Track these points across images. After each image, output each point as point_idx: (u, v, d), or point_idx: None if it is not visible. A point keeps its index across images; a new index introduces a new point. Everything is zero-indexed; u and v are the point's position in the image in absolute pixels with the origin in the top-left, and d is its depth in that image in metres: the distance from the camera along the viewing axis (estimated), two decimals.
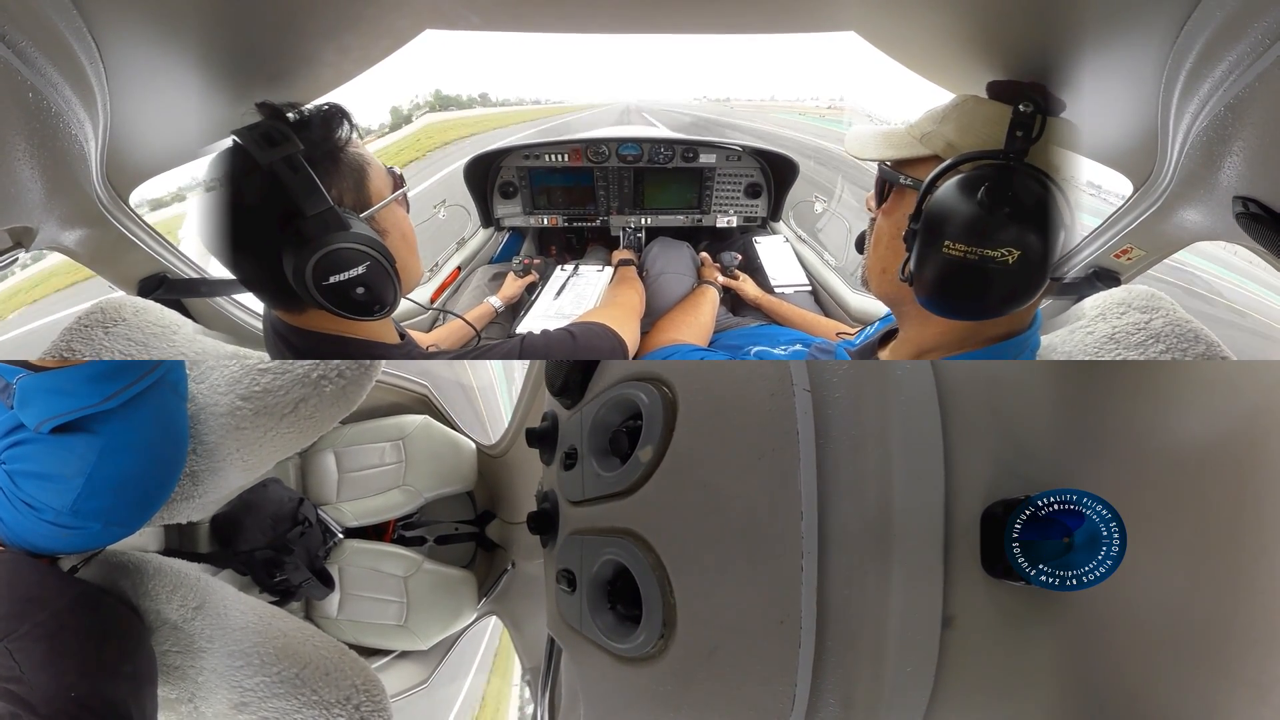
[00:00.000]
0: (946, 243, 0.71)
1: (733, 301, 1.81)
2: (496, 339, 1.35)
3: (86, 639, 0.99)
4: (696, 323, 1.48)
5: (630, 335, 1.12)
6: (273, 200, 0.75)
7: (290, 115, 0.79)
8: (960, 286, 0.72)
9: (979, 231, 0.69)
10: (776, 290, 1.81)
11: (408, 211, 0.93)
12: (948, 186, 0.71)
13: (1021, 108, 0.69)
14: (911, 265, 0.75)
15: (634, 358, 1.19)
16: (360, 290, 0.78)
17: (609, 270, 1.85)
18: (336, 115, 0.82)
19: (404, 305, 1.60)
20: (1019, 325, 0.78)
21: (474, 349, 0.96)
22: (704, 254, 1.87)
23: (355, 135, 0.85)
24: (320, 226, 0.76)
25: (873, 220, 0.86)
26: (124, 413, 0.98)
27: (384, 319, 0.88)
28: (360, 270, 0.77)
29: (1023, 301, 0.73)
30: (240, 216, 0.78)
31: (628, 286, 1.65)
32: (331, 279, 0.76)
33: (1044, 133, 0.69)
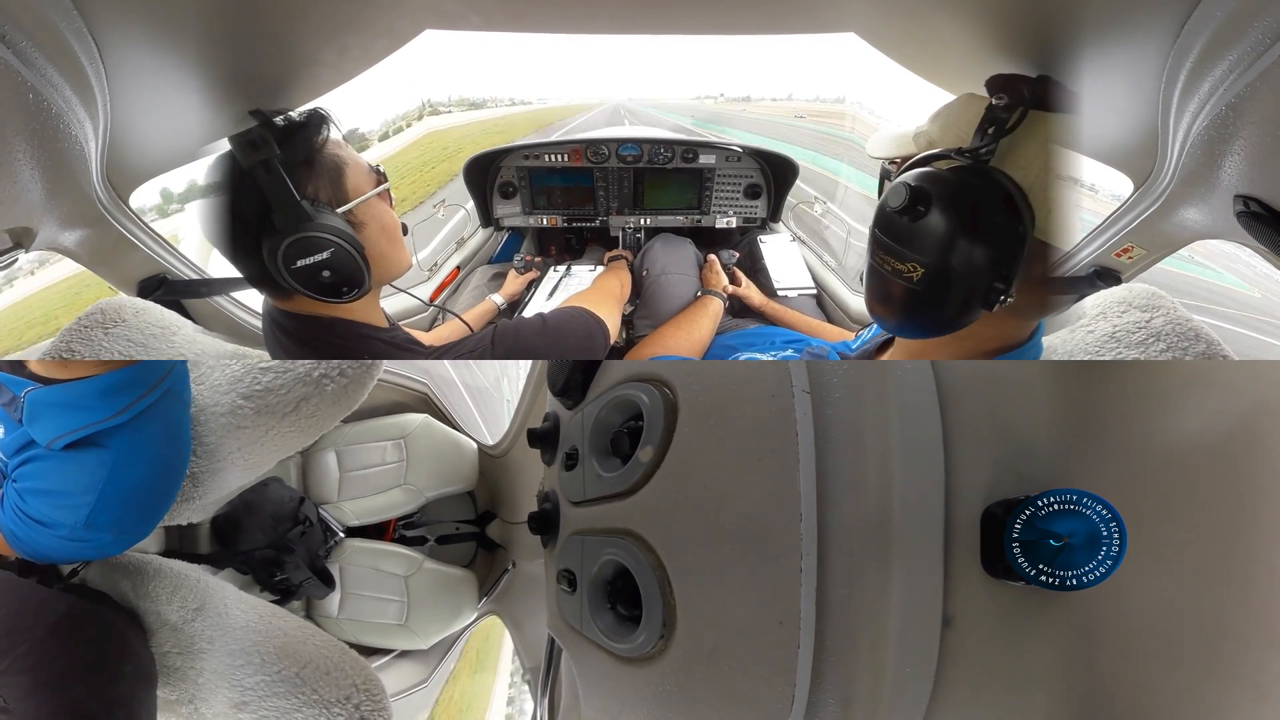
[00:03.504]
0: (873, 248, 0.66)
1: (737, 305, 1.78)
2: None
3: (71, 663, 0.98)
4: (690, 337, 1.44)
5: (609, 317, 1.14)
6: (252, 199, 0.85)
7: (279, 120, 0.88)
8: (880, 297, 0.67)
9: (892, 239, 0.63)
10: (780, 293, 1.80)
11: (391, 206, 0.99)
12: (888, 189, 0.64)
13: (995, 101, 0.62)
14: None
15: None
16: (327, 273, 0.87)
17: (601, 270, 1.84)
18: (315, 121, 0.90)
19: (404, 303, 1.61)
20: (1016, 338, 0.73)
21: (449, 347, 0.99)
22: (711, 256, 1.81)
23: (337, 137, 0.93)
24: (288, 219, 0.85)
25: None
26: (133, 425, 0.98)
27: (361, 300, 0.94)
28: (325, 255, 0.86)
29: (949, 323, 0.65)
30: (230, 213, 0.87)
31: (610, 274, 1.64)
32: (299, 263, 0.85)
33: (1019, 127, 0.62)
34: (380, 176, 0.96)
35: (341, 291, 0.89)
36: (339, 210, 0.90)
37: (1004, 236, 0.61)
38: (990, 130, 0.62)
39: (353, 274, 0.89)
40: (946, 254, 0.60)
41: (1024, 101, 0.62)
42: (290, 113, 0.90)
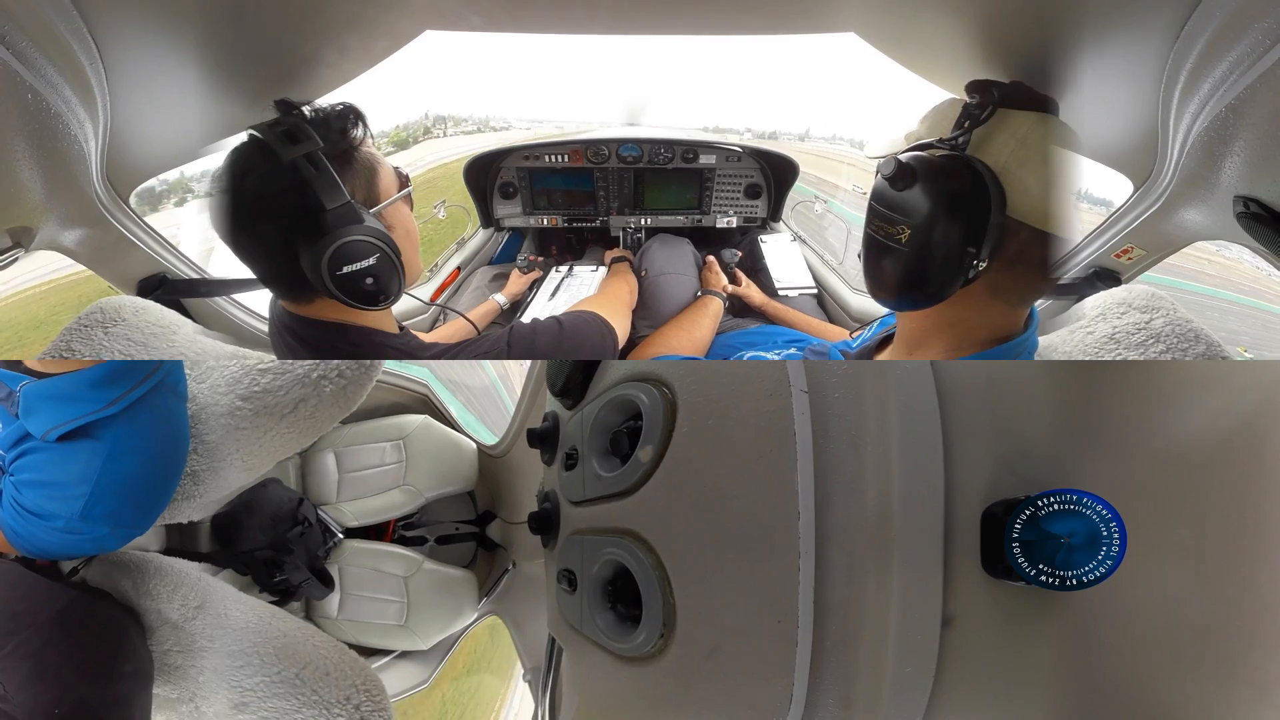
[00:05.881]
0: (868, 219, 0.75)
1: (738, 304, 1.79)
2: None
3: (71, 654, 0.98)
4: (691, 337, 1.43)
5: (620, 324, 1.13)
6: (293, 194, 0.78)
7: (306, 112, 0.82)
8: (872, 264, 0.77)
9: (886, 207, 0.73)
10: (780, 292, 1.79)
11: (411, 210, 0.97)
12: (881, 163, 0.74)
13: (969, 99, 0.72)
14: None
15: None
16: (369, 281, 0.82)
17: (604, 270, 1.84)
18: (351, 114, 0.86)
19: (406, 304, 1.61)
20: (1011, 329, 0.77)
21: (463, 347, 0.97)
22: (710, 257, 1.80)
23: (368, 135, 0.89)
24: (339, 220, 0.79)
25: None
26: (126, 417, 0.97)
27: (387, 309, 0.92)
28: (370, 262, 0.81)
29: (933, 284, 0.72)
30: (259, 209, 0.81)
31: (619, 279, 1.64)
32: (344, 269, 0.80)
33: (989, 121, 0.71)
34: (404, 180, 0.93)
35: (379, 300, 0.85)
36: (372, 212, 0.85)
37: (973, 207, 0.70)
38: (966, 124, 0.71)
39: (390, 282, 0.84)
40: (928, 217, 0.70)
41: (993, 101, 0.71)
42: (317, 105, 0.86)
